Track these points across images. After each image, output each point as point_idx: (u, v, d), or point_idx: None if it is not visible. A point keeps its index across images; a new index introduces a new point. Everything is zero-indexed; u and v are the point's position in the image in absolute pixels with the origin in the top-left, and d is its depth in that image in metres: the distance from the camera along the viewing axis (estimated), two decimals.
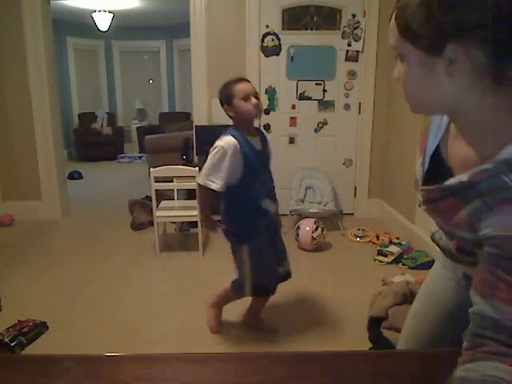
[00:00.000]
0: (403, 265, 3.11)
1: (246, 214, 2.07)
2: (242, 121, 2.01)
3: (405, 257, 3.16)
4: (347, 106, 4.14)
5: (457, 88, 0.67)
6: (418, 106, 0.75)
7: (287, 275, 2.26)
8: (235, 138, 1.95)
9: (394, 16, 0.69)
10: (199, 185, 2.05)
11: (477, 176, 0.68)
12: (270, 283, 2.18)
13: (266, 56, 4.03)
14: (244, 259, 2.09)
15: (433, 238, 1.03)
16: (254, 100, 1.95)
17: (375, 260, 3.21)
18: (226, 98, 2.00)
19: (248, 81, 2.04)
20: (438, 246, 1.03)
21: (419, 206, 0.88)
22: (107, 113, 8.10)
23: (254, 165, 2.00)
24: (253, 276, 2.10)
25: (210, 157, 1.98)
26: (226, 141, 1.95)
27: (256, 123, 2.15)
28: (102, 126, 7.90)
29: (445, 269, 1.08)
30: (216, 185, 1.96)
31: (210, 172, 1.97)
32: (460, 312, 0.86)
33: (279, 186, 4.18)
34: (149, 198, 3.85)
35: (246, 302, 2.29)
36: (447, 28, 0.62)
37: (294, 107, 4.13)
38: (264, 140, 2.13)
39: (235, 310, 2.39)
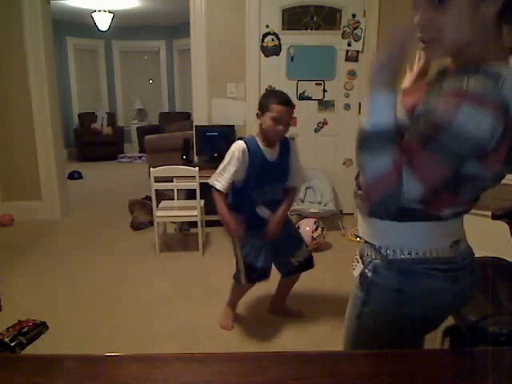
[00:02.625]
0: None
1: (242, 211, 2.15)
2: (262, 133, 2.08)
3: None
4: (347, 106, 4.13)
5: (483, 20, 0.80)
6: (450, 42, 0.84)
7: (303, 265, 2.34)
8: (246, 144, 2.06)
9: None
10: (210, 186, 2.13)
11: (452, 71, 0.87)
12: (259, 273, 2.24)
13: (266, 56, 4.03)
14: (237, 249, 2.21)
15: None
16: (281, 127, 2.00)
17: None
18: (261, 106, 2.05)
19: (292, 106, 2.04)
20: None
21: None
22: (107, 113, 8.10)
23: (258, 172, 2.07)
24: (244, 265, 2.21)
25: (224, 160, 2.10)
26: (237, 146, 2.07)
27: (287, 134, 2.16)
28: (101, 125, 7.89)
29: None
30: (220, 185, 2.07)
31: (219, 173, 2.09)
32: None
33: None
34: (149, 198, 3.85)
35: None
36: None
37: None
38: (284, 153, 2.14)
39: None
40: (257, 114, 2.08)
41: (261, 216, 2.16)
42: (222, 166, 2.09)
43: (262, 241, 2.18)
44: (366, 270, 1.01)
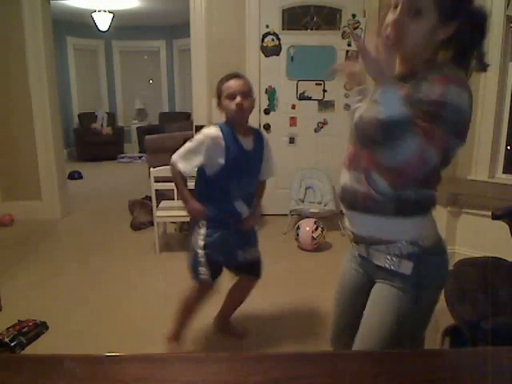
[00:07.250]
0: None
1: (217, 206, 1.99)
2: (228, 119, 1.95)
3: None
4: (347, 106, 4.13)
5: (432, 40, 1.05)
6: (406, 44, 1.05)
7: (248, 265, 2.12)
8: (221, 131, 1.91)
9: None
10: (171, 164, 2.00)
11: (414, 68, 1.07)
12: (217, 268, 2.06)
13: (266, 56, 4.03)
14: (196, 240, 1.99)
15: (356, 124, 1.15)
16: (237, 99, 1.87)
17: None
18: (217, 94, 1.97)
19: (241, 77, 1.95)
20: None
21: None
22: (107, 113, 8.10)
23: (236, 162, 1.92)
24: (206, 258, 1.99)
25: (191, 141, 1.96)
26: (207, 132, 1.93)
27: (252, 123, 2.05)
28: (101, 125, 7.90)
29: (349, 262, 1.40)
30: (185, 169, 1.93)
31: (182, 154, 1.95)
32: (358, 295, 1.28)
33: (279, 186, 4.23)
34: (149, 198, 3.85)
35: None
36: (460, 13, 1.02)
37: (294, 107, 4.13)
38: (259, 142, 2.02)
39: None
40: (218, 106, 1.97)
41: (238, 211, 2.00)
42: (187, 146, 1.94)
43: (227, 236, 2.00)
44: (409, 265, 1.10)
